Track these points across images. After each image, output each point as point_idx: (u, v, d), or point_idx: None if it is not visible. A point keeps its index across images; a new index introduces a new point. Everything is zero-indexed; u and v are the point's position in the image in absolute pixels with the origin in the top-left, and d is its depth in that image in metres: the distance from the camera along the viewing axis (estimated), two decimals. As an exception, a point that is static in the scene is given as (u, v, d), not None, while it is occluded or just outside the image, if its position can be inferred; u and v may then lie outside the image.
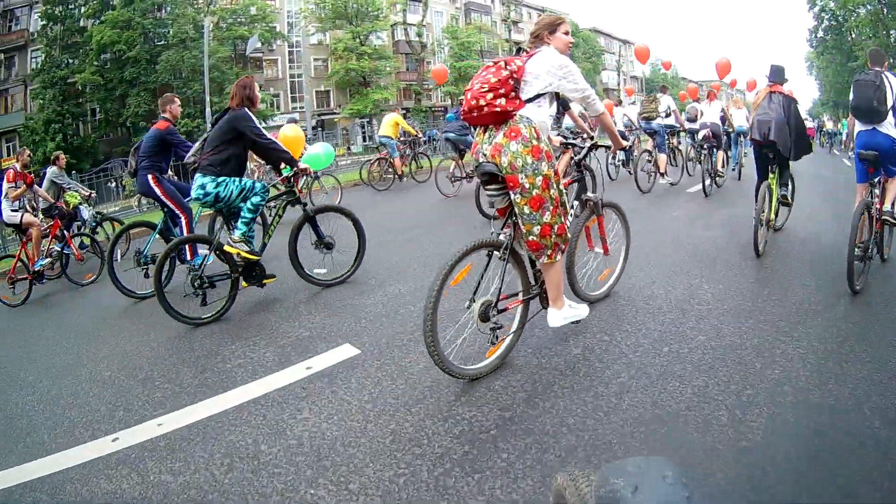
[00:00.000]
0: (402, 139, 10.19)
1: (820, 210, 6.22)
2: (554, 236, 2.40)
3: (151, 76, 26.62)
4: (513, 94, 2.30)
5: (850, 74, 28.89)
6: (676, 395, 2.15)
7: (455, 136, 8.45)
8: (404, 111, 27.52)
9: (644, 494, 0.50)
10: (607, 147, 3.18)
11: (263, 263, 3.78)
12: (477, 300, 2.33)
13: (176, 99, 4.75)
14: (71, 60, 26.23)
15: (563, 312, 2.56)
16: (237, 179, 3.60)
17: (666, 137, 8.59)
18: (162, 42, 27.10)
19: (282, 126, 8.07)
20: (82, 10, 26.55)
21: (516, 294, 2.57)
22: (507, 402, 2.19)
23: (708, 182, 7.30)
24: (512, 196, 2.36)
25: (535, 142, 2.29)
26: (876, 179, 3.67)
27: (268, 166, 6.01)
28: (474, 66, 33.12)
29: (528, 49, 2.55)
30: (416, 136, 10.70)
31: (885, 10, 29.29)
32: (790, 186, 4.68)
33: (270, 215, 4.69)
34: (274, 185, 4.99)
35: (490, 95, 2.26)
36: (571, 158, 3.47)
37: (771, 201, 4.42)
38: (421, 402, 2.26)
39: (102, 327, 3.93)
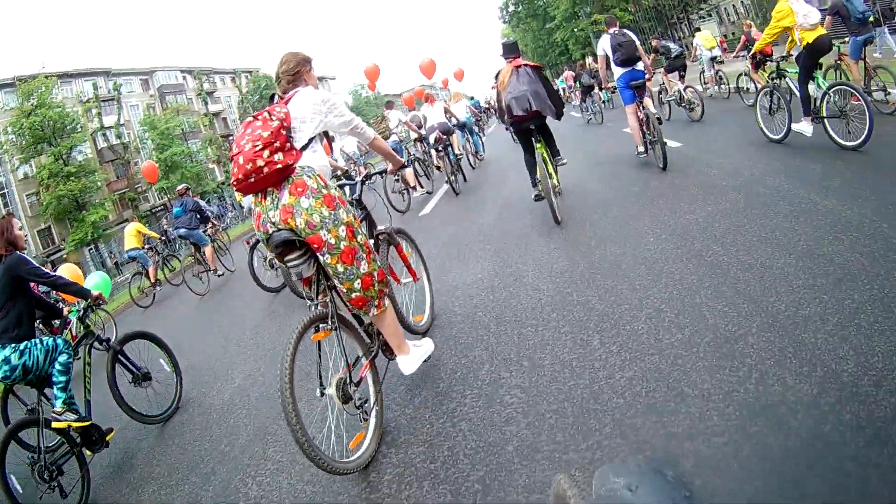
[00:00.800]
0: (146, 247, 9.38)
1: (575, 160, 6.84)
2: (377, 284, 2.22)
3: None
4: (288, 145, 2.04)
5: (550, 34, 33.46)
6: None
7: (186, 230, 8.13)
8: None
9: (644, 494, 0.50)
10: (382, 173, 3.12)
11: (96, 421, 3.24)
12: (329, 384, 2.04)
13: None
14: None
15: (413, 356, 2.42)
16: (37, 341, 3.00)
17: (405, 152, 9.07)
18: None
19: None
20: None
21: (359, 359, 2.32)
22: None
23: (454, 182, 7.67)
24: (320, 259, 2.12)
25: (325, 190, 2.08)
26: (638, 100, 5.60)
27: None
28: (181, 152, 31.44)
29: (282, 95, 2.34)
30: (159, 239, 10.14)
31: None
32: (555, 144, 4.90)
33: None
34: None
35: (267, 153, 1.97)
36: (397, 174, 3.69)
37: (548, 169, 4.57)
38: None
39: None
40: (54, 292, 4.34)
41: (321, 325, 2.13)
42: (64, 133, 27.57)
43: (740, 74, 8.97)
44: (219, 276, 8.60)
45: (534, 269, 3.64)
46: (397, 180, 7.93)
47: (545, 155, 4.52)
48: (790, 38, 4.69)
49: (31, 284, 3.20)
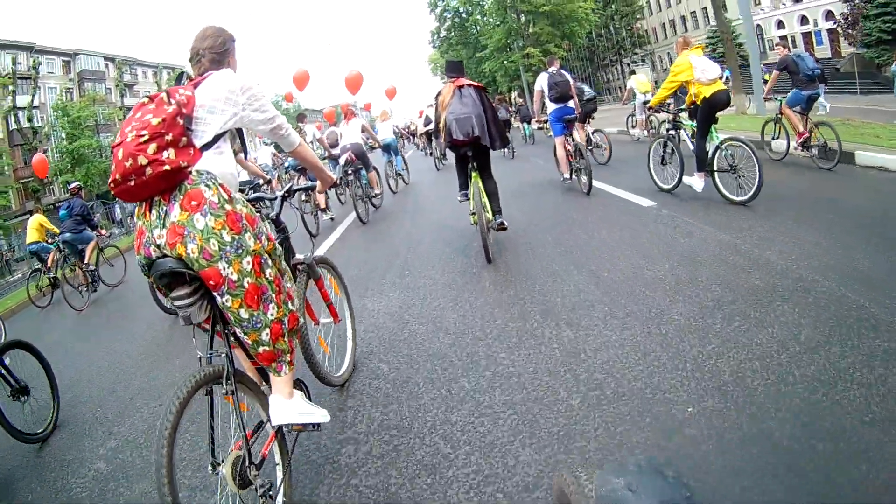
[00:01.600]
0: (49, 241, 8.37)
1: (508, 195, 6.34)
2: (286, 335, 1.77)
3: None
4: (184, 140, 1.57)
5: (479, 63, 33.29)
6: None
7: (72, 235, 7.35)
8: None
9: (644, 494, 0.49)
10: (307, 189, 2.59)
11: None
12: (224, 462, 1.56)
13: None
14: None
15: (295, 405, 1.82)
16: None
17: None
18: None
19: None
20: None
21: (261, 426, 1.83)
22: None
23: (362, 209, 6.89)
24: (218, 300, 1.63)
25: (228, 206, 1.61)
26: (567, 133, 6.17)
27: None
28: (91, 145, 28.77)
29: (193, 76, 1.85)
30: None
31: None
32: (497, 196, 4.40)
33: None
34: None
35: (153, 147, 1.49)
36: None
37: (483, 200, 4.19)
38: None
39: None
40: None
41: (214, 387, 1.62)
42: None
43: (663, 121, 9.53)
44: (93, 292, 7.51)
45: (460, 320, 3.18)
46: (306, 200, 7.04)
47: (480, 186, 4.24)
48: (688, 92, 4.73)
49: None
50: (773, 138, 6.63)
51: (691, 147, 4.92)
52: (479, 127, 3.97)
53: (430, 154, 14.05)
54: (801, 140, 5.93)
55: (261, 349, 1.72)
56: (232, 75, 1.81)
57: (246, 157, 4.89)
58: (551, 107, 6.18)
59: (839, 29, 27.37)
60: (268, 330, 1.69)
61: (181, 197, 1.55)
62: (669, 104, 5.84)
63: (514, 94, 34.28)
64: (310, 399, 2.03)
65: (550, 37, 30.47)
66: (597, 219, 4.87)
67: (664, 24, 42.23)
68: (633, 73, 12.92)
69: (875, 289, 2.56)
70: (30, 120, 29.89)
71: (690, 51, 4.68)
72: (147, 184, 1.50)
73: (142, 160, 1.47)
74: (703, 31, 36.61)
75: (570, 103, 6.14)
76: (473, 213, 4.36)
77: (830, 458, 1.57)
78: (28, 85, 30.55)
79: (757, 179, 4.18)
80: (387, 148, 9.61)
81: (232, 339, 1.80)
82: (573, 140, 6.17)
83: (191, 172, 1.57)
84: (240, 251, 1.60)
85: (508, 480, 1.75)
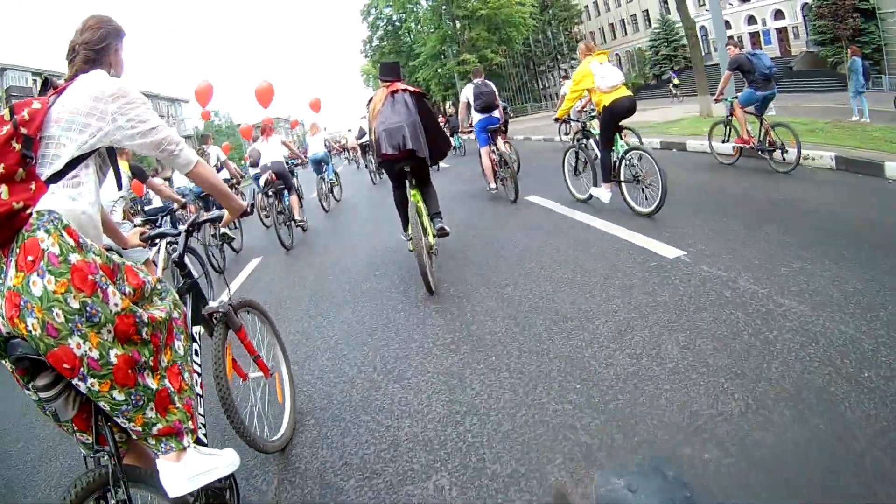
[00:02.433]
0: None
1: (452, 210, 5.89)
2: (177, 398, 1.37)
3: None
4: (20, 171, 1.19)
5: (413, 72, 32.61)
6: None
7: None
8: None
9: (644, 494, 0.47)
10: (215, 220, 2.00)
11: None
12: None
13: None
14: None
15: (187, 467, 1.34)
16: None
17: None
18: None
19: None
20: None
21: None
22: None
23: (284, 234, 6.06)
24: (80, 387, 1.20)
25: (74, 256, 1.19)
26: (492, 142, 6.14)
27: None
28: None
29: (67, 79, 1.44)
30: None
31: (445, 4, 30.72)
32: (436, 199, 3.90)
33: None
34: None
35: None
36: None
37: (422, 223, 3.57)
38: None
39: None
40: None
41: (101, 498, 1.24)
42: None
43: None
44: None
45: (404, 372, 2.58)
46: (214, 235, 6.02)
47: (420, 206, 3.62)
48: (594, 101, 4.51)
49: None
50: (723, 141, 6.41)
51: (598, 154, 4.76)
52: (413, 138, 3.42)
53: (367, 167, 13.56)
54: (752, 145, 5.78)
55: (154, 429, 1.29)
56: (102, 78, 1.40)
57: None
58: (477, 117, 6.20)
59: (802, 24, 27.30)
60: (152, 406, 1.28)
61: (18, 251, 1.16)
62: (580, 113, 6.00)
63: (447, 104, 34.05)
64: (205, 438, 1.54)
65: (487, 42, 30.52)
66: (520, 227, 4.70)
67: (602, 28, 43.27)
68: (566, 77, 12.65)
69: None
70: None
71: (593, 57, 4.43)
72: None
73: None
74: (644, 35, 38.06)
75: (496, 113, 6.18)
76: (410, 239, 3.59)
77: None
78: (-53, 103, 27.63)
79: (660, 189, 4.03)
80: (318, 163, 9.12)
81: (117, 434, 1.35)
82: (497, 150, 6.18)
83: (31, 215, 1.18)
84: (96, 319, 1.18)
85: None
